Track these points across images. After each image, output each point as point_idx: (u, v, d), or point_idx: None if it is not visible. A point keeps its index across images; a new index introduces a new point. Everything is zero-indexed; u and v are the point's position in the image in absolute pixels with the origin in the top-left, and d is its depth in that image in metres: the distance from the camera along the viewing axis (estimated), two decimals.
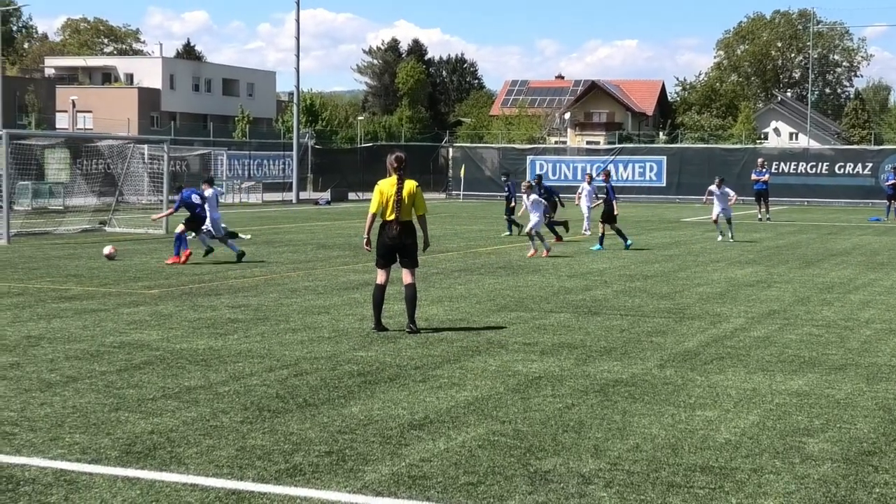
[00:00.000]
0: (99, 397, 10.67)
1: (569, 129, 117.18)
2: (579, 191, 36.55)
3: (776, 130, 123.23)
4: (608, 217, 29.97)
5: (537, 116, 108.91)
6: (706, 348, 13.99)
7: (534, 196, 27.78)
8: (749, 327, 15.88)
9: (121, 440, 9.05)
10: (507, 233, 35.44)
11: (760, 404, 10.80)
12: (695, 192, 61.70)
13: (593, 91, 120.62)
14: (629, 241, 29.93)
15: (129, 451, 8.70)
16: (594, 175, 39.33)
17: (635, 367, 12.60)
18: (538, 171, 63.88)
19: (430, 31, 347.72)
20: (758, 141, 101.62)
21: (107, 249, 25.40)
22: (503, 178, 38.04)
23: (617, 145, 78.67)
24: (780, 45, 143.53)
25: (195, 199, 24.93)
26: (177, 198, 25.51)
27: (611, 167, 64.53)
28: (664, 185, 69.29)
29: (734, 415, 10.33)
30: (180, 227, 24.68)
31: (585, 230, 35.30)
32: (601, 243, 30.03)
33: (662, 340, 14.58)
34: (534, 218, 27.01)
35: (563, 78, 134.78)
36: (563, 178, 69.98)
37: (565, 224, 33.39)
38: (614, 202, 30.23)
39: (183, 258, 24.36)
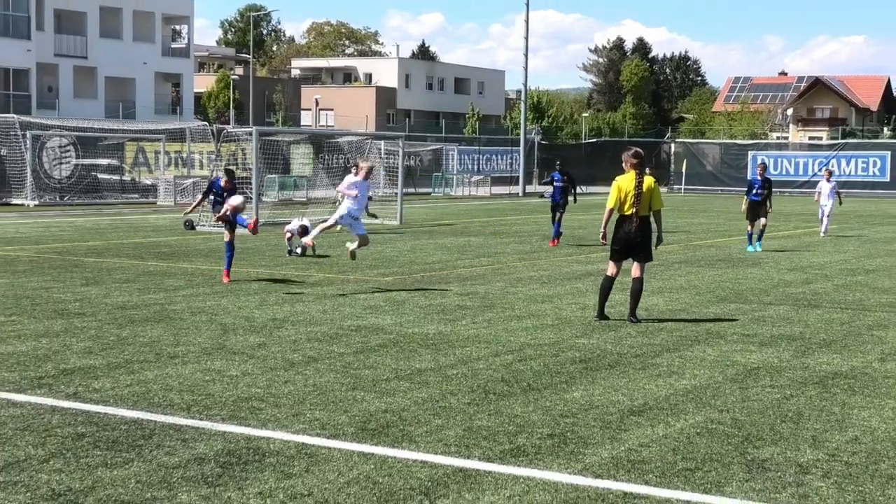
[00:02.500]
0: (337, 377, 10.95)
1: (791, 125, 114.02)
2: (818, 188, 31.74)
3: None
4: (756, 214, 26.45)
5: (760, 112, 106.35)
6: None
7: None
8: None
9: (357, 417, 9.27)
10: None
11: None
12: None
13: (816, 87, 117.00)
14: (751, 248, 26.30)
15: (365, 428, 8.91)
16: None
17: (855, 360, 12.21)
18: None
19: (656, 30, 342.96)
20: None
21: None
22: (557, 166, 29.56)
23: (840, 140, 76.19)
24: None
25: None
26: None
27: (766, 160, 62.32)
28: (888, 179, 66.80)
29: None
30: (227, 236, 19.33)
31: (824, 231, 31.49)
32: (750, 242, 26.52)
33: (884, 334, 14.07)
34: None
35: (786, 74, 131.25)
36: (784, 172, 68.22)
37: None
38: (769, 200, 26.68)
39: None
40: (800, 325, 14.70)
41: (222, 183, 20.17)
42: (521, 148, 67.69)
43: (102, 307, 15.52)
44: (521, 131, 68.88)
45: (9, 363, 11.38)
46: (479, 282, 19.28)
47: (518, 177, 67.02)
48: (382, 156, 43.06)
